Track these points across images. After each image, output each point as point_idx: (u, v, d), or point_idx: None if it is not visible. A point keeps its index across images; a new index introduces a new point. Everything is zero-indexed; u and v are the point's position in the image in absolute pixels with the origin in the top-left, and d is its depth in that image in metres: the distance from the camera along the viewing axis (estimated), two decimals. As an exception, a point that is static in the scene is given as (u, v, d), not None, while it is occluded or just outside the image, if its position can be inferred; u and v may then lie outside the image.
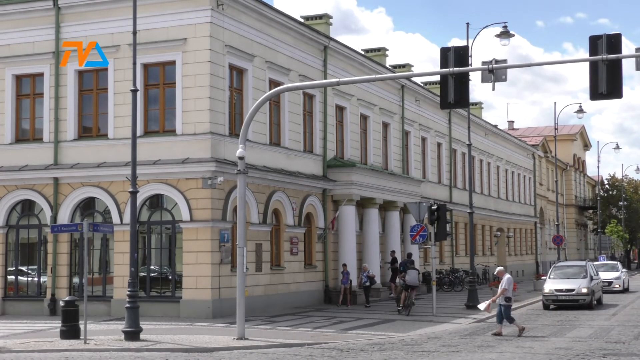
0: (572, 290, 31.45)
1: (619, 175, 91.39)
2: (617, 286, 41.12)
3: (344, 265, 32.56)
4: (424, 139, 46.00)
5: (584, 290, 31.34)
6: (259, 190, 28.75)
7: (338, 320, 26.14)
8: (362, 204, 35.74)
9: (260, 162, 28.79)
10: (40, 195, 28.49)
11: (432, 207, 28.23)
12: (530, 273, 62.23)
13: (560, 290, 31.54)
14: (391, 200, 37.73)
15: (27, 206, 29.24)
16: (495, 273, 24.00)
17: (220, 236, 26.39)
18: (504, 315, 22.30)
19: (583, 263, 36.16)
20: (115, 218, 27.34)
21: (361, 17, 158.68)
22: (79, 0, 28.01)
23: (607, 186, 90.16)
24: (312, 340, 20.54)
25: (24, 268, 29.57)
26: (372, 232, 35.95)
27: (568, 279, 32.53)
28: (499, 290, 22.54)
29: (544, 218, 74.39)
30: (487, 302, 23.13)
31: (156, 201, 27.47)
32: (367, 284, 31.96)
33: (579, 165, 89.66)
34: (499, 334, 21.87)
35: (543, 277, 40.09)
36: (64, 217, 27.95)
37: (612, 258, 79.21)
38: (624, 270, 44.18)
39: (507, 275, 22.74)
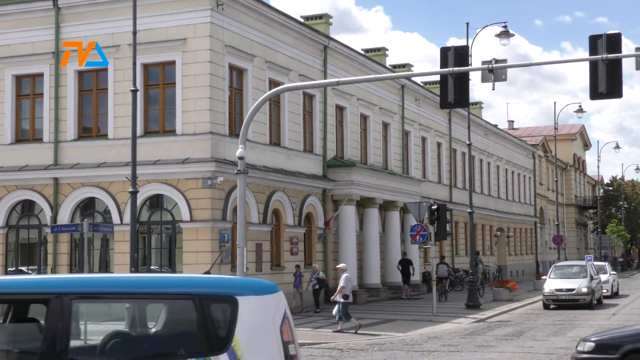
0: (572, 289, 31.46)
1: (618, 175, 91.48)
2: (604, 290, 36.04)
3: (297, 266, 29.78)
4: (424, 139, 46.01)
5: (584, 290, 31.35)
6: (259, 190, 28.75)
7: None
8: (362, 204, 35.74)
9: (260, 162, 28.79)
10: (40, 195, 28.49)
11: (432, 207, 28.23)
12: (530, 273, 62.23)
13: (561, 290, 31.55)
14: (391, 200, 37.73)
15: (27, 206, 29.23)
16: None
17: (220, 236, 26.39)
18: (341, 312, 22.73)
19: (583, 263, 36.17)
20: (115, 218, 27.34)
21: (359, 16, 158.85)
22: (78, 1, 28.01)
23: (607, 187, 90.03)
24: (312, 340, 20.54)
25: (24, 268, 29.54)
26: (372, 232, 35.95)
27: (568, 278, 32.54)
28: (338, 289, 22.97)
29: (544, 218, 74.38)
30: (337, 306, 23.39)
31: (156, 201, 27.47)
32: (317, 286, 29.09)
33: (579, 164, 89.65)
34: (339, 331, 22.32)
35: (543, 277, 40.06)
36: (64, 217, 27.95)
37: (613, 260, 79.08)
38: (612, 272, 41.17)
39: (346, 274, 23.26)
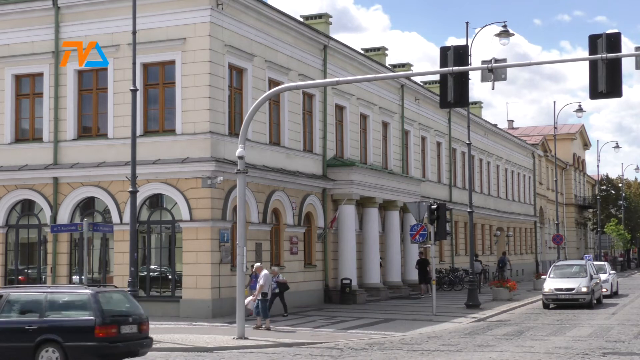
0: (572, 289, 31.46)
1: (612, 176, 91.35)
2: (604, 290, 35.95)
3: (252, 266, 25.66)
4: (423, 138, 46.00)
5: (584, 290, 31.34)
6: (258, 190, 28.75)
7: (338, 319, 26.15)
8: (362, 204, 35.74)
9: (260, 161, 28.78)
10: (40, 195, 28.49)
11: (432, 207, 28.24)
12: (530, 272, 62.25)
13: (560, 289, 31.54)
14: (391, 200, 37.73)
15: (27, 206, 29.23)
16: (253, 269, 24.16)
17: (220, 236, 26.39)
18: (260, 308, 23.02)
19: (583, 262, 36.16)
20: (115, 218, 27.34)
21: (357, 15, 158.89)
22: (78, 0, 28.01)
23: (603, 187, 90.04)
24: (312, 339, 20.54)
25: (23, 268, 29.56)
26: (372, 231, 35.94)
27: (568, 278, 32.54)
28: (257, 287, 23.11)
29: (544, 217, 74.38)
30: (250, 298, 23.41)
31: (156, 201, 27.47)
32: (277, 290, 26.37)
33: (579, 164, 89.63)
34: (258, 327, 22.77)
35: (543, 276, 40.04)
36: (63, 217, 27.95)
37: (614, 259, 78.96)
38: (612, 272, 41.06)
39: (264, 272, 23.32)
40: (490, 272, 50.45)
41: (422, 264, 37.77)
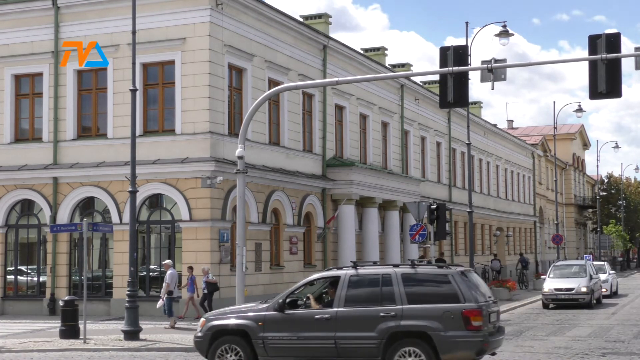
0: (572, 289, 31.46)
1: (617, 174, 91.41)
2: (604, 290, 35.83)
3: (190, 268, 25.13)
4: (423, 138, 46.00)
5: (584, 290, 31.35)
6: (258, 190, 28.75)
7: (337, 319, 26.06)
8: (362, 204, 35.74)
9: (259, 161, 28.79)
10: (39, 194, 28.49)
11: (432, 207, 28.18)
12: (530, 272, 62.21)
13: (560, 290, 31.56)
14: (391, 200, 37.73)
15: (27, 206, 29.24)
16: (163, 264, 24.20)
17: (219, 236, 26.39)
18: (166, 306, 23.09)
19: (582, 262, 36.17)
20: (115, 218, 27.33)
21: (356, 15, 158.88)
22: (78, 0, 28.01)
23: (605, 186, 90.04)
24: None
25: (23, 268, 29.57)
26: (371, 231, 35.94)
27: (567, 278, 32.56)
28: (164, 286, 23.26)
29: (544, 217, 74.38)
30: (160, 302, 23.51)
31: (155, 201, 27.47)
32: (206, 290, 24.85)
33: (578, 164, 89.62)
34: (172, 327, 22.83)
35: (542, 276, 40.04)
36: (63, 217, 27.95)
37: (613, 259, 78.93)
38: (612, 272, 41.25)
39: (170, 270, 23.42)
40: (490, 273, 50.39)
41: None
